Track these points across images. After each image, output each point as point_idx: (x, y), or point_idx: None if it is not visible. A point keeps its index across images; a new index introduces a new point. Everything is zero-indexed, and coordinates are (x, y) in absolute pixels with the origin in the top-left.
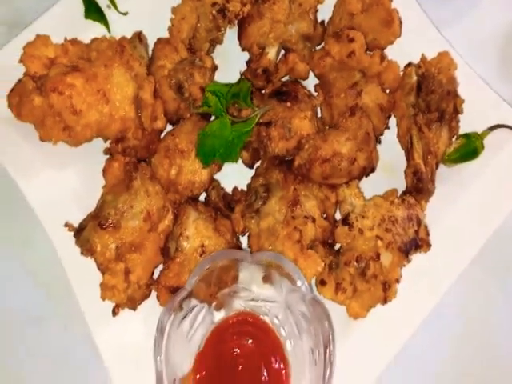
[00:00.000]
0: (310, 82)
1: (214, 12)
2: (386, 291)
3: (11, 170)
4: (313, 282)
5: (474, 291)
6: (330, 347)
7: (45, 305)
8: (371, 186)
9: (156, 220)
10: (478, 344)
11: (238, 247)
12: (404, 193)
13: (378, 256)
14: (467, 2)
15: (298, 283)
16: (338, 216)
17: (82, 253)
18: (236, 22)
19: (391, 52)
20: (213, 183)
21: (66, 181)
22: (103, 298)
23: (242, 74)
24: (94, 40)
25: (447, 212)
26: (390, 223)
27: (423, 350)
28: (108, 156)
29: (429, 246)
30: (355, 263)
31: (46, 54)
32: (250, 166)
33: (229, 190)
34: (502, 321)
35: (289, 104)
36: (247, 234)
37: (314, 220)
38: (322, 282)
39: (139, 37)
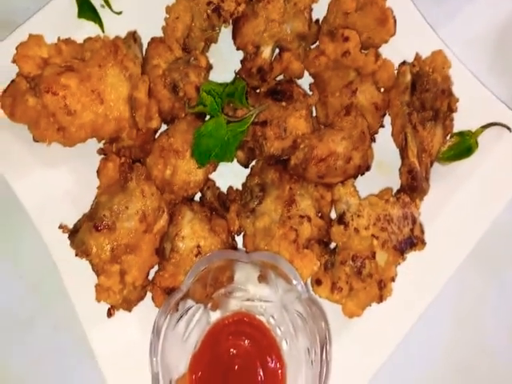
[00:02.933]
0: (305, 81)
1: (208, 11)
2: (382, 290)
3: (4, 171)
4: (308, 281)
5: (467, 289)
6: (326, 346)
7: (36, 306)
8: (366, 185)
9: (151, 221)
10: (470, 343)
11: (234, 247)
12: (399, 191)
13: (374, 255)
14: (461, 0)
15: (294, 283)
16: (333, 215)
17: (76, 254)
18: (231, 21)
19: (386, 51)
20: (208, 183)
21: (60, 181)
22: (98, 299)
23: (236, 74)
24: (87, 39)
25: (442, 210)
26: (386, 222)
27: (417, 348)
28: (102, 156)
29: (424, 244)
30: (351, 262)
31: (40, 53)
32: (246, 166)
33: (224, 189)
34: (494, 319)
35: (284, 103)
36: (242, 233)
37: (309, 219)
38: (317, 282)
39: (133, 36)
